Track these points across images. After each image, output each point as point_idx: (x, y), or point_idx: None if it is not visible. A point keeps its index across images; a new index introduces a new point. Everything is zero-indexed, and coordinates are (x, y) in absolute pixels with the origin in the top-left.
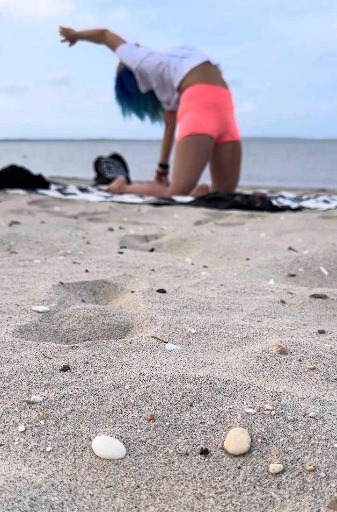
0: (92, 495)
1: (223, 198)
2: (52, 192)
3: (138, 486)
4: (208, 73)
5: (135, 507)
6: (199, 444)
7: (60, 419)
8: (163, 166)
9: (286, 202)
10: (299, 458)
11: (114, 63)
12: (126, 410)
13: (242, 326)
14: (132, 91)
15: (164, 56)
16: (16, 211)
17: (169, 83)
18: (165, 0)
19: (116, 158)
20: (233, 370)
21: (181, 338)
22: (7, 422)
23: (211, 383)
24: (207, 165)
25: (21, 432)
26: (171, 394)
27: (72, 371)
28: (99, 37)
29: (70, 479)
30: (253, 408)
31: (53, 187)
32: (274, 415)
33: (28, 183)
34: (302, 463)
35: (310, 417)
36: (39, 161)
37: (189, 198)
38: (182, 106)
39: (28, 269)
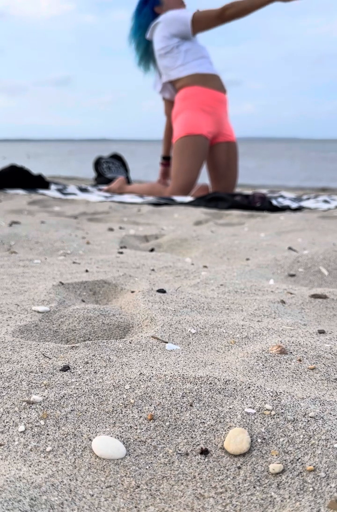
0: (92, 495)
1: (223, 198)
2: (52, 192)
3: (138, 486)
4: (206, 78)
5: (135, 507)
6: (199, 444)
7: (60, 419)
8: (166, 158)
9: (286, 202)
10: (299, 458)
11: (114, 63)
12: (126, 410)
13: (242, 326)
14: (142, 22)
15: (186, 44)
16: (16, 211)
17: (167, 64)
18: None
19: (116, 158)
20: (233, 370)
21: (181, 338)
22: (7, 422)
23: (211, 383)
24: (204, 166)
25: (21, 432)
26: (171, 394)
27: (72, 371)
28: None
29: (70, 479)
30: (253, 408)
31: (53, 187)
32: (274, 415)
33: (28, 183)
34: (302, 463)
35: (310, 417)
36: (39, 161)
37: (189, 198)
38: (177, 107)
39: (28, 269)
